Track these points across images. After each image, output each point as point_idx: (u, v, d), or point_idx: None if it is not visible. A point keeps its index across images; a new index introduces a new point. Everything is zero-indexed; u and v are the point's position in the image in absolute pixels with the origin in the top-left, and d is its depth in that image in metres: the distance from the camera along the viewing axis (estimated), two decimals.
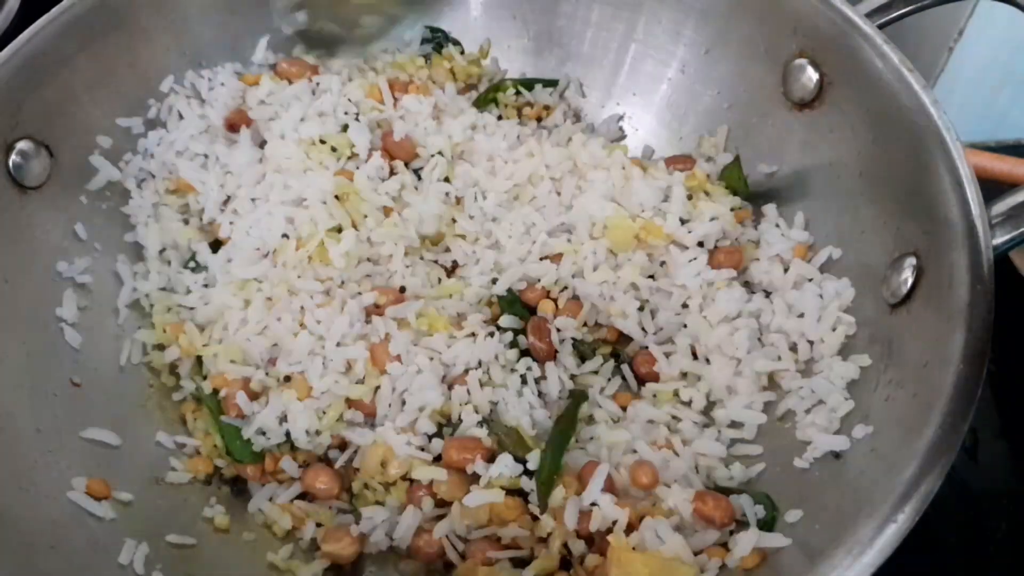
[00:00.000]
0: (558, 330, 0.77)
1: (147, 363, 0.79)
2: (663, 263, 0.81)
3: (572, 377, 0.77)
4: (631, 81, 0.96)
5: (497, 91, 0.96)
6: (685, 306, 0.79)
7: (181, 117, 0.87)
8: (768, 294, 0.80)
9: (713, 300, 0.78)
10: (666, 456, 0.70)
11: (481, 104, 0.95)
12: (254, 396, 0.73)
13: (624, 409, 0.75)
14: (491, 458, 0.67)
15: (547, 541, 0.65)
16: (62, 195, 0.78)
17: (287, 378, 0.73)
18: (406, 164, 0.85)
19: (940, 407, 0.57)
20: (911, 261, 0.68)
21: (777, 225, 0.84)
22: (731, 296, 0.78)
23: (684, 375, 0.77)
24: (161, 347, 0.78)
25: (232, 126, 0.87)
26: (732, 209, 0.84)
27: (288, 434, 0.71)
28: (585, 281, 0.78)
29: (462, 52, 0.98)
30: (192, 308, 0.79)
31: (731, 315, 0.78)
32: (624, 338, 0.80)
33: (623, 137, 0.98)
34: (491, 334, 0.75)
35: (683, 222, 0.81)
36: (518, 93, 0.96)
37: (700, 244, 0.82)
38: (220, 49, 0.91)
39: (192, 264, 0.82)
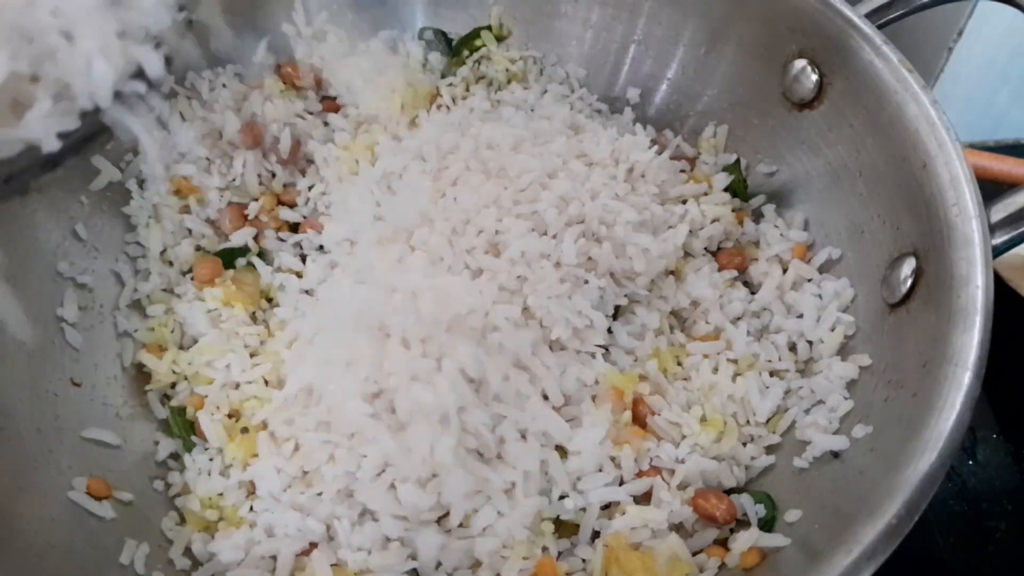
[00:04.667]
0: None
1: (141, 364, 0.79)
2: (671, 272, 0.81)
3: None
4: (631, 82, 0.96)
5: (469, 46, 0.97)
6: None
7: (183, 119, 0.87)
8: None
9: (720, 304, 0.79)
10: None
11: (453, 66, 0.96)
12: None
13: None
14: None
15: None
16: (63, 196, 0.78)
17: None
18: None
19: (940, 407, 0.57)
20: (910, 261, 0.68)
21: (776, 225, 0.84)
22: (737, 297, 0.79)
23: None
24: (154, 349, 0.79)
25: (250, 144, 0.86)
26: (732, 210, 0.85)
27: None
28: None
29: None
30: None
31: (737, 316, 0.78)
32: None
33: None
34: None
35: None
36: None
37: (705, 248, 0.83)
38: (221, 51, 0.91)
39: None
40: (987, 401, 0.90)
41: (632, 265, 0.75)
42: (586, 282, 0.74)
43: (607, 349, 0.75)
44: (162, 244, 0.82)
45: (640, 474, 0.68)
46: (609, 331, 0.76)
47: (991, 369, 0.58)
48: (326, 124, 0.92)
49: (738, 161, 0.89)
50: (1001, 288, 0.68)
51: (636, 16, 0.93)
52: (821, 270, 0.79)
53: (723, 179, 0.87)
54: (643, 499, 0.68)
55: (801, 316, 0.76)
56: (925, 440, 0.56)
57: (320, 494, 0.66)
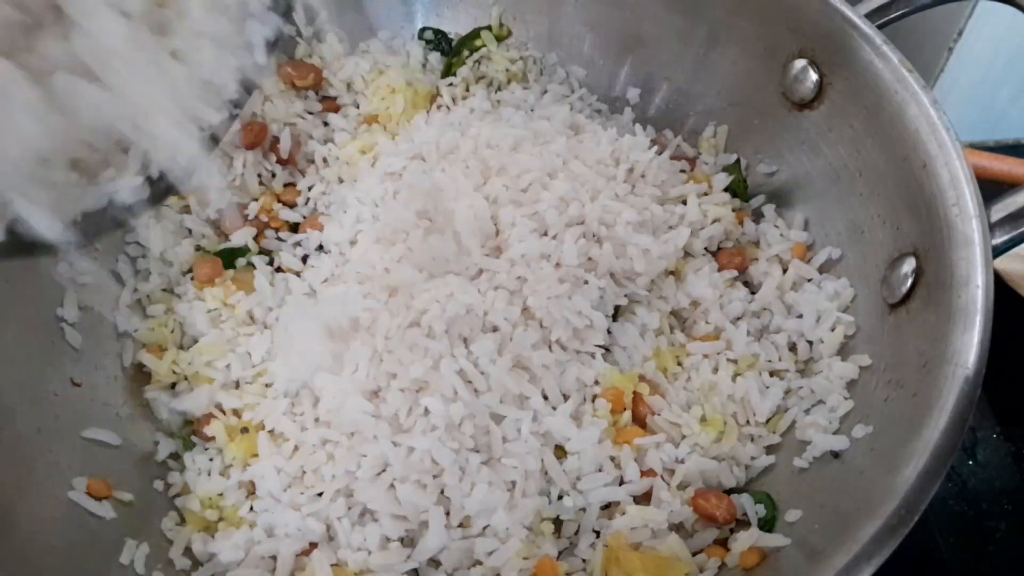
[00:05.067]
0: None
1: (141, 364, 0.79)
2: (671, 272, 0.81)
3: None
4: (631, 82, 0.96)
5: (466, 49, 0.96)
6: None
7: None
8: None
9: (720, 304, 0.79)
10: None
11: (454, 67, 0.96)
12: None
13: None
14: None
15: None
16: None
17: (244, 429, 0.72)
18: None
19: (940, 407, 0.57)
20: (910, 261, 0.68)
21: (776, 225, 0.84)
22: (737, 297, 0.79)
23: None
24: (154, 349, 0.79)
25: (251, 144, 0.86)
26: (732, 210, 0.85)
27: None
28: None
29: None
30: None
31: (737, 316, 0.78)
32: None
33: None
34: None
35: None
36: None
37: (705, 248, 0.83)
38: None
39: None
40: (987, 401, 0.90)
41: (632, 265, 0.75)
42: (586, 282, 0.74)
43: (607, 349, 0.75)
44: (162, 244, 0.82)
45: (640, 474, 0.68)
46: (609, 331, 0.76)
47: (991, 369, 0.58)
48: (326, 124, 0.92)
49: (738, 161, 0.89)
50: (1001, 288, 0.68)
51: (636, 16, 0.93)
52: (821, 270, 0.79)
53: (723, 179, 0.87)
54: (643, 499, 0.68)
55: (801, 316, 0.76)
56: (925, 440, 0.56)
57: (320, 494, 0.66)
